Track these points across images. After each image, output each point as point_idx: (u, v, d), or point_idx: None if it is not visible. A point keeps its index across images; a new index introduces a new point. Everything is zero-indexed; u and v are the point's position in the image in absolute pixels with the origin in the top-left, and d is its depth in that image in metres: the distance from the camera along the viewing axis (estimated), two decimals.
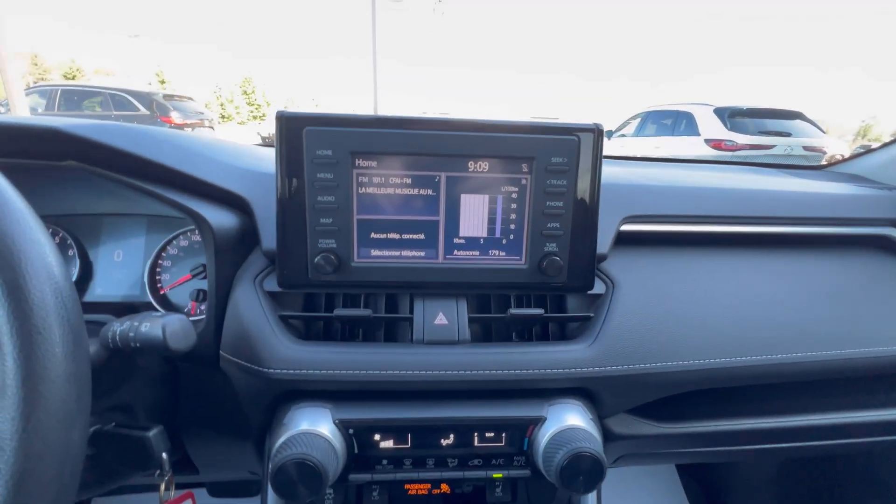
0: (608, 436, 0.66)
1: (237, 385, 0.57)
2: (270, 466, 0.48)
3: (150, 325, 0.45)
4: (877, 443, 0.75)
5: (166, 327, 0.45)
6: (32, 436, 0.30)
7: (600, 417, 0.63)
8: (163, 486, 0.53)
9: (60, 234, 0.72)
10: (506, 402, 0.56)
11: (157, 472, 0.51)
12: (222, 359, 0.57)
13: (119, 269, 0.75)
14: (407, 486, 0.59)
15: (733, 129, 6.14)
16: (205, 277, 0.75)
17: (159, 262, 0.75)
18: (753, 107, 6.39)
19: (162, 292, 0.73)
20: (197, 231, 0.76)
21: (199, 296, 0.74)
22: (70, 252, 0.72)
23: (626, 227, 0.66)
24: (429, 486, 0.59)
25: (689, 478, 1.44)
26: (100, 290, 0.73)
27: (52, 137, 0.50)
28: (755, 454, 0.78)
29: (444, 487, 0.60)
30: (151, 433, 0.49)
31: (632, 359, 0.58)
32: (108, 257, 0.75)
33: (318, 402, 0.54)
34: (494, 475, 0.55)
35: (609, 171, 0.71)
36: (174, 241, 0.76)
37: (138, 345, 0.45)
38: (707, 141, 6.14)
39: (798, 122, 6.36)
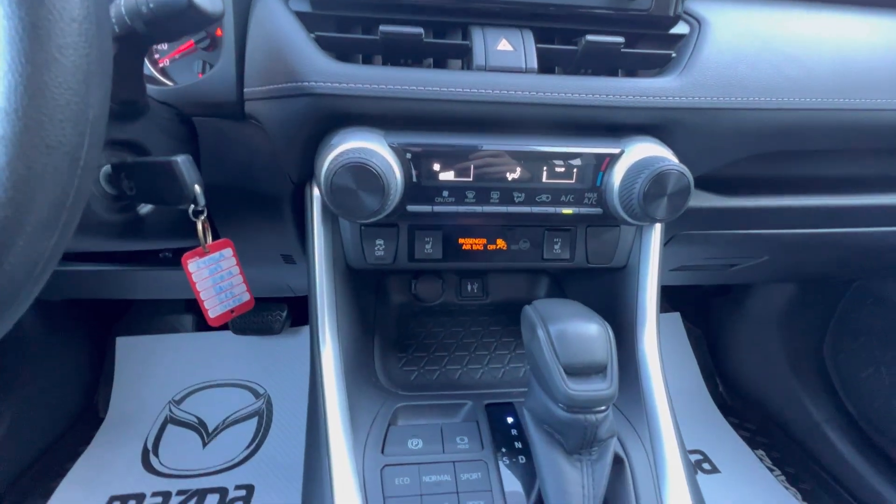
0: None
1: (270, 128, 0.49)
2: (323, 181, 0.42)
3: None
4: None
5: None
6: None
7: None
8: (200, 227, 0.48)
9: None
10: (577, 137, 0.50)
11: (192, 206, 0.45)
12: (248, 98, 0.49)
13: None
14: (461, 241, 0.55)
15: None
16: (210, 48, 0.65)
17: None
18: None
19: (161, 63, 0.63)
20: None
21: (207, 68, 0.64)
22: None
23: None
24: (484, 241, 0.55)
25: (691, 325, 1.50)
26: None
27: None
28: (806, 246, 0.75)
29: (500, 243, 0.56)
30: (179, 158, 0.42)
31: (724, 91, 0.50)
32: None
33: (369, 127, 0.47)
34: (564, 212, 0.50)
35: None
36: None
37: (151, 6, 0.36)
38: None
39: None
